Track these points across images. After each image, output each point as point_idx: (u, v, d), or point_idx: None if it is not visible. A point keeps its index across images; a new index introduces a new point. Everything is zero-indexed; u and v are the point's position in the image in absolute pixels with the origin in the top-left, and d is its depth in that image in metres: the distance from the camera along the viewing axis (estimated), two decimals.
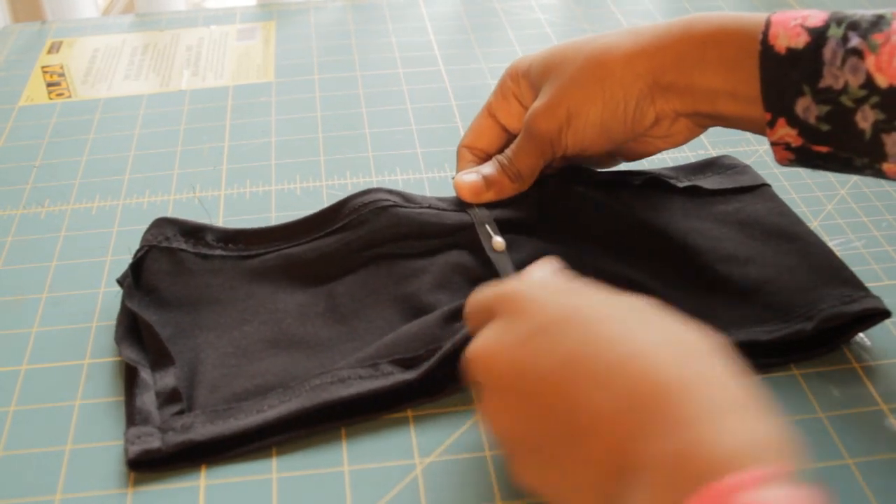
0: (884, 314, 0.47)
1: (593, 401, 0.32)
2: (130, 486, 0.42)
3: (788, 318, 0.47)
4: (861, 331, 0.48)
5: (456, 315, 0.47)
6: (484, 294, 0.39)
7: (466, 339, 0.43)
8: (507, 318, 0.37)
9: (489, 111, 0.57)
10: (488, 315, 0.38)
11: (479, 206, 0.54)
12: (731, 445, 0.28)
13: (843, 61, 0.43)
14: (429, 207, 0.54)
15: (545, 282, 0.40)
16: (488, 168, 0.55)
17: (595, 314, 0.35)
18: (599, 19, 0.84)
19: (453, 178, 0.56)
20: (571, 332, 0.34)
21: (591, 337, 0.33)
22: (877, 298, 0.47)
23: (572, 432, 0.32)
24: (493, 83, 0.73)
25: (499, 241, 0.51)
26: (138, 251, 0.51)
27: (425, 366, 0.44)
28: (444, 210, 0.55)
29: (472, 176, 0.55)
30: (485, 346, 0.37)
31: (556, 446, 0.33)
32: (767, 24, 0.45)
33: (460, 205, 0.55)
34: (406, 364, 0.45)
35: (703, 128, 0.52)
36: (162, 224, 0.52)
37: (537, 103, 0.52)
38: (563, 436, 0.32)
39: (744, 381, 0.32)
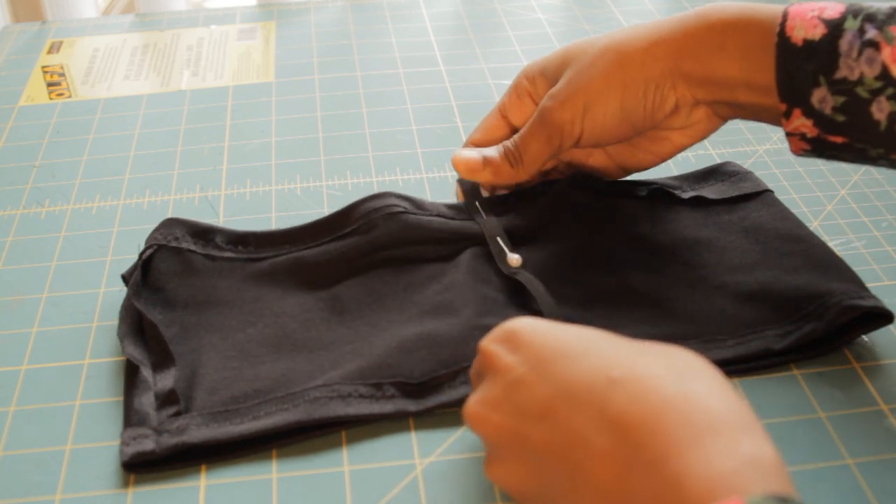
0: (888, 318, 0.47)
1: (587, 437, 0.32)
2: (130, 486, 0.42)
3: (797, 317, 0.47)
4: (863, 333, 0.48)
5: (467, 339, 0.46)
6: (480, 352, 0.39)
7: (467, 389, 0.44)
8: (490, 374, 0.37)
9: (501, 111, 0.57)
10: (481, 374, 0.39)
11: (488, 214, 0.54)
12: (715, 473, 0.28)
13: (860, 53, 0.43)
14: (438, 216, 0.54)
15: (525, 328, 0.38)
16: (490, 150, 0.55)
17: (575, 348, 0.35)
18: (599, 19, 0.84)
19: (453, 155, 0.56)
20: (557, 367, 0.34)
21: (575, 370, 0.34)
22: (880, 301, 0.47)
23: (571, 473, 0.32)
24: (493, 83, 0.74)
25: (514, 257, 0.51)
26: (145, 250, 0.51)
27: (428, 402, 0.44)
28: (452, 219, 0.54)
29: (471, 152, 0.55)
30: (470, 407, 0.37)
31: (558, 491, 0.33)
32: (785, 16, 0.46)
33: (468, 214, 0.55)
34: (409, 391, 0.45)
35: (723, 119, 0.52)
36: (171, 224, 0.52)
37: (554, 90, 0.52)
38: (564, 476, 0.33)
39: (731, 398, 0.32)
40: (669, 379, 0.32)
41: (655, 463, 0.29)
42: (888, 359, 0.47)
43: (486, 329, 0.46)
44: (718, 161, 0.62)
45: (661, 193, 0.57)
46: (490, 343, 0.38)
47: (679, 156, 0.64)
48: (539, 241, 0.53)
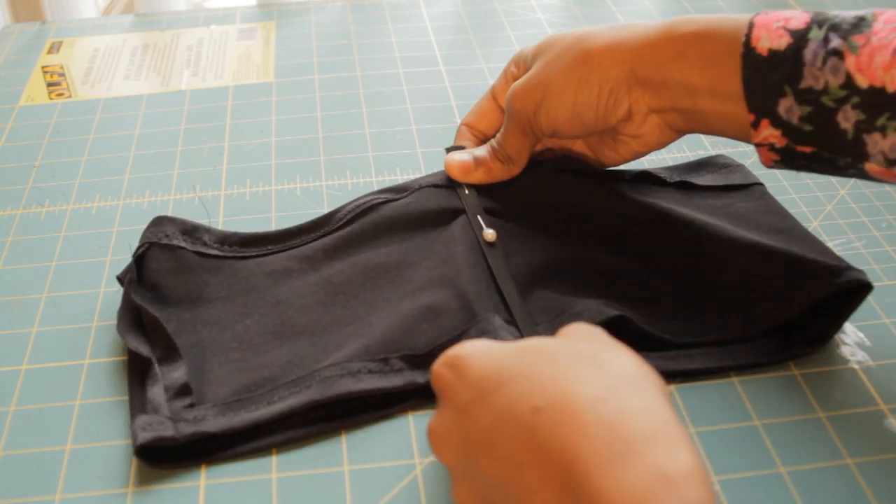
0: (866, 287, 0.46)
1: (524, 467, 0.33)
2: (130, 486, 0.42)
3: (777, 300, 0.47)
4: (850, 312, 0.47)
5: (466, 306, 0.47)
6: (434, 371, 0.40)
7: None
8: (443, 398, 0.38)
9: (492, 93, 0.59)
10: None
11: (470, 190, 0.56)
12: (630, 493, 0.29)
13: (824, 62, 0.43)
14: (419, 188, 0.56)
15: (475, 355, 0.39)
16: (480, 150, 0.56)
17: (506, 374, 0.35)
18: (599, 19, 0.84)
19: (445, 151, 0.58)
20: (493, 397, 0.35)
21: (506, 400, 0.34)
22: (860, 271, 0.47)
23: (516, 501, 0.33)
24: (493, 83, 0.73)
25: (489, 232, 0.52)
26: (138, 248, 0.51)
27: None
28: (436, 186, 0.56)
29: (463, 155, 0.56)
30: (431, 429, 0.38)
31: None
32: (750, 27, 0.46)
33: (452, 182, 0.56)
34: (416, 363, 0.45)
35: (678, 132, 0.52)
36: (161, 222, 0.53)
37: (518, 81, 0.54)
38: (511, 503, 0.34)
39: (653, 411, 0.32)
40: (590, 403, 0.32)
41: (580, 489, 0.30)
42: (888, 359, 0.47)
43: (481, 295, 0.48)
44: None
45: (646, 177, 0.58)
46: (440, 367, 0.39)
47: (676, 153, 0.64)
48: (521, 220, 0.54)
